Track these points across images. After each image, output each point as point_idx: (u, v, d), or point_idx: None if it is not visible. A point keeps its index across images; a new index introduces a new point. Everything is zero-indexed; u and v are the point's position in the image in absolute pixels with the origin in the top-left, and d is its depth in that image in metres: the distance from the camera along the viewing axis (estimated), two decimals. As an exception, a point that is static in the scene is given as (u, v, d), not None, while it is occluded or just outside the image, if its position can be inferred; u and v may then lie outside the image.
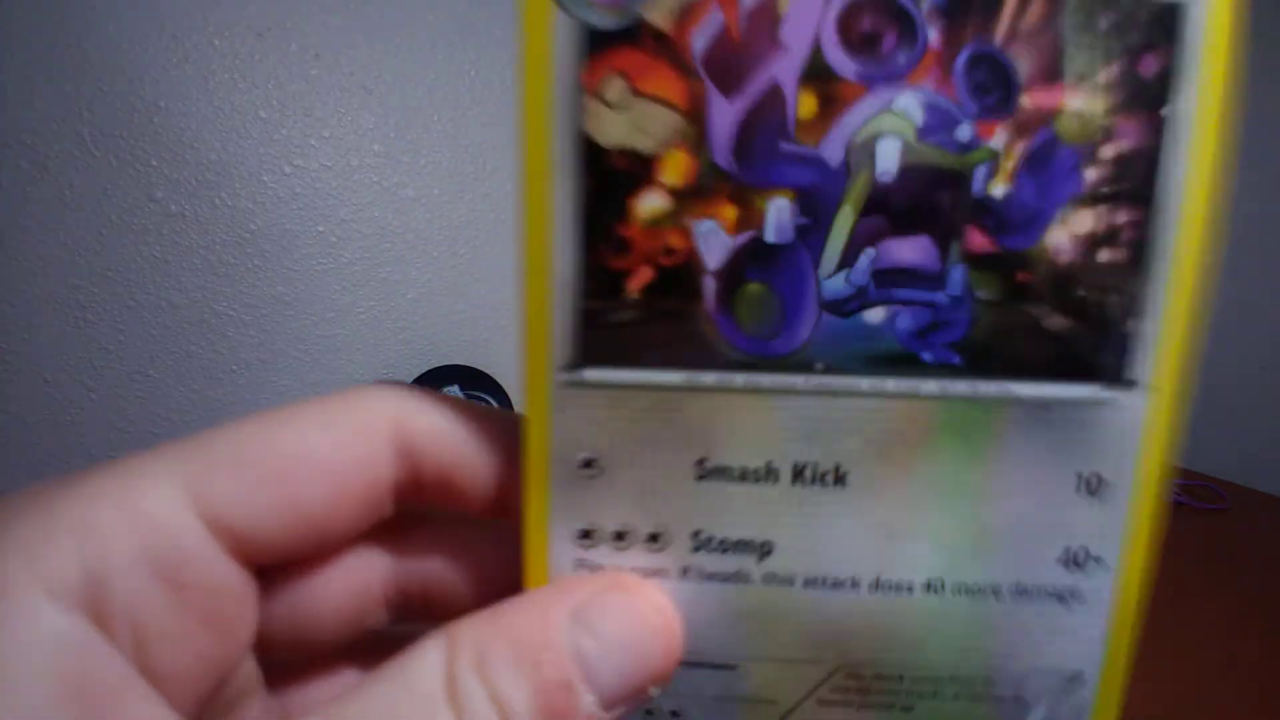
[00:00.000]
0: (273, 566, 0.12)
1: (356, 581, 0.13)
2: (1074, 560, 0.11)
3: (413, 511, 0.13)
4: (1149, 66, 0.10)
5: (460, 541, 0.14)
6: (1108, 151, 0.10)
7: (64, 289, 0.49)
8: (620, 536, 0.12)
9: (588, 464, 0.11)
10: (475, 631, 0.10)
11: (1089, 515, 0.11)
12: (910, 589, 0.11)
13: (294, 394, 0.57)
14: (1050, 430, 0.11)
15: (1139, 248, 0.10)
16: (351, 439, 0.12)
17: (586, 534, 0.12)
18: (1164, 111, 0.10)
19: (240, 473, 0.11)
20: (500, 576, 0.12)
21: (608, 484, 0.11)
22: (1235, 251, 0.68)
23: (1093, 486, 0.11)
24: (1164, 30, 0.10)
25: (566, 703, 0.10)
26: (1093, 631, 0.11)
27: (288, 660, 0.13)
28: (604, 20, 0.10)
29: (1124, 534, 0.11)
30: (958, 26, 0.10)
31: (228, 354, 0.55)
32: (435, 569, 0.13)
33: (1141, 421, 0.11)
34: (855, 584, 0.11)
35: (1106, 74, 0.10)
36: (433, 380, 0.59)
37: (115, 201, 0.49)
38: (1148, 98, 0.10)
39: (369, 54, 0.56)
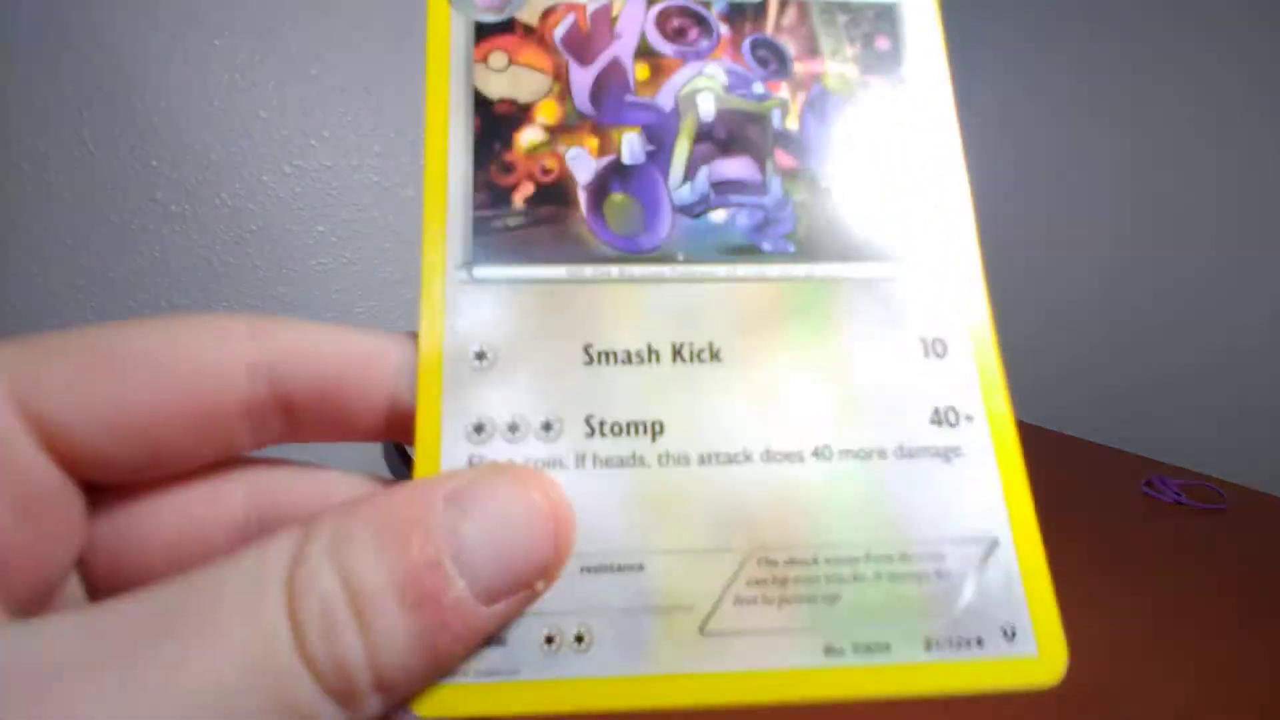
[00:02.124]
0: (104, 483, 0.11)
1: (194, 517, 0.12)
2: (945, 419, 0.13)
3: (273, 459, 0.13)
4: (882, 44, 0.15)
5: (321, 488, 0.13)
6: (866, 99, 0.14)
7: (64, 289, 0.49)
8: (514, 429, 0.12)
9: (480, 356, 0.12)
10: (337, 514, 0.10)
11: (943, 376, 0.13)
12: (800, 457, 0.12)
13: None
14: (883, 304, 0.13)
15: (906, 161, 0.14)
16: (192, 346, 0.11)
17: (479, 428, 0.12)
18: (900, 73, 0.15)
19: (63, 367, 0.10)
20: None
21: (500, 375, 0.12)
22: (1234, 251, 0.68)
23: (938, 350, 0.13)
24: (886, 21, 0.15)
25: (434, 583, 0.09)
26: (988, 491, 0.12)
27: (115, 590, 0.11)
28: (486, 16, 0.14)
29: (981, 389, 0.13)
30: (739, 24, 0.14)
31: (228, 354, 0.54)
32: (289, 516, 0.12)
33: (957, 288, 0.14)
34: (748, 456, 0.12)
35: (852, 50, 0.15)
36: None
37: (115, 201, 0.49)
38: (885, 64, 0.15)
39: (369, 54, 0.56)
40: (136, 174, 0.50)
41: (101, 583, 0.12)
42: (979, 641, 0.12)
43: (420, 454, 0.12)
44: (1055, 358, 0.81)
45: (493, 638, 0.11)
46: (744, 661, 0.11)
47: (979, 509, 0.12)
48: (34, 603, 0.11)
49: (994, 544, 0.12)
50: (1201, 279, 0.69)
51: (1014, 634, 0.12)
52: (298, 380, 0.12)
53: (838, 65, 0.14)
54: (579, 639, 0.11)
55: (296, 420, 0.12)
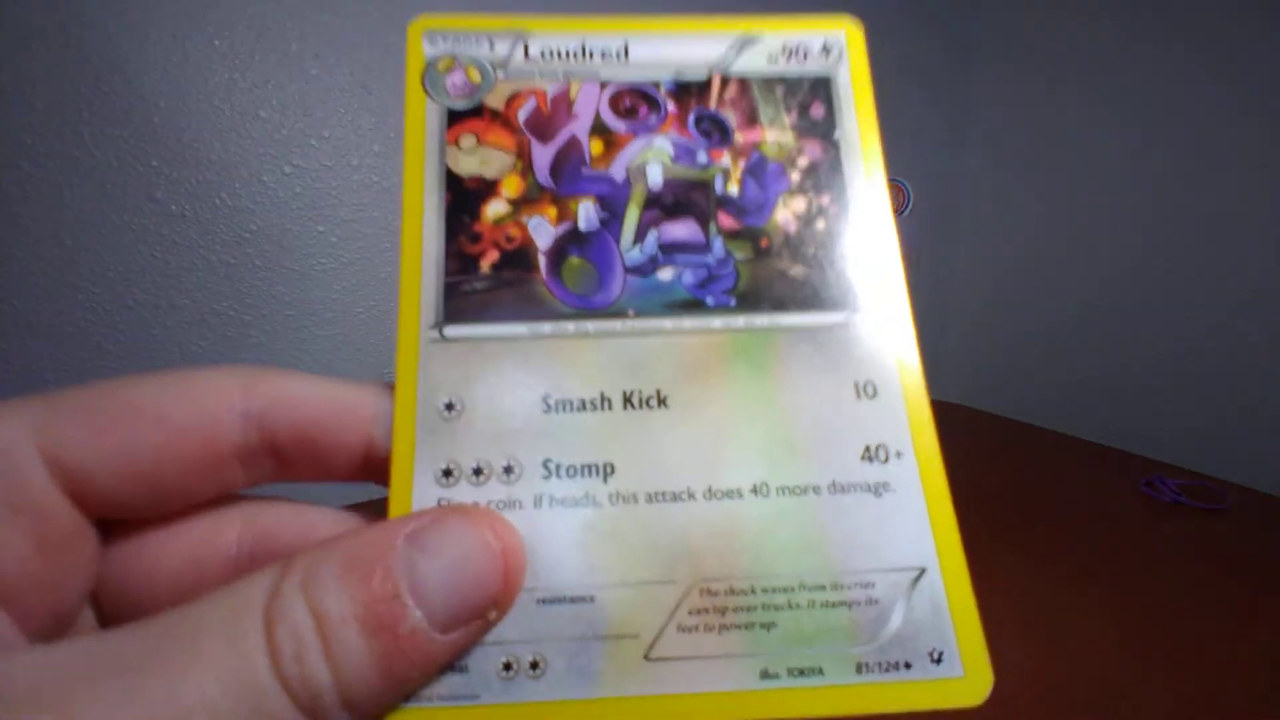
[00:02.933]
0: (113, 520, 0.13)
1: (194, 550, 0.14)
2: (875, 456, 0.14)
3: (266, 496, 0.14)
4: (817, 112, 0.16)
5: (307, 524, 0.14)
6: (802, 163, 0.16)
7: (64, 289, 0.49)
8: (478, 472, 0.13)
9: (449, 406, 0.14)
10: (310, 554, 0.11)
11: (874, 416, 0.14)
12: (739, 494, 0.13)
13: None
14: (819, 350, 0.15)
15: (839, 218, 0.16)
16: (191, 397, 0.13)
17: (448, 472, 0.13)
18: (834, 137, 0.16)
19: (80, 418, 0.12)
20: None
21: (467, 424, 0.13)
22: (1232, 251, 0.68)
23: (869, 392, 0.14)
24: (822, 91, 0.16)
25: (391, 613, 0.10)
26: (916, 523, 0.13)
27: (124, 616, 0.13)
28: (457, 104, 0.15)
29: (910, 428, 0.14)
30: (685, 100, 0.16)
31: (228, 354, 0.54)
32: (278, 548, 0.14)
33: (887, 335, 0.15)
34: (691, 494, 0.13)
35: (789, 118, 0.16)
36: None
37: (115, 201, 0.49)
38: (820, 130, 0.16)
39: (369, 54, 0.56)
40: (136, 174, 0.50)
41: (111, 609, 0.13)
42: (907, 665, 0.12)
43: (394, 496, 0.13)
44: (1055, 357, 0.81)
45: (455, 665, 0.12)
46: (686, 685, 0.12)
47: (907, 540, 0.13)
48: (52, 630, 0.12)
49: (921, 573, 0.13)
50: (1202, 278, 0.69)
51: (941, 657, 0.13)
52: (284, 427, 0.13)
53: (775, 133, 0.16)
54: (534, 665, 0.12)
55: (283, 462, 0.14)
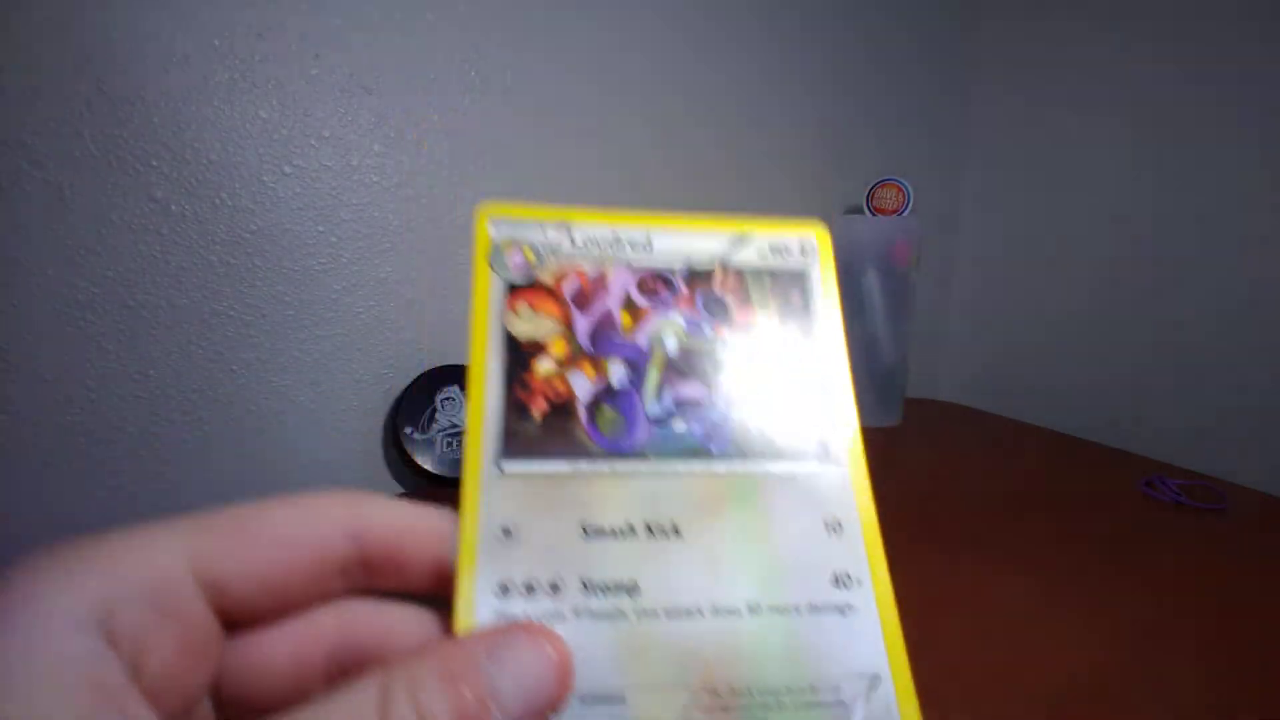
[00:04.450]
0: (236, 620, 0.15)
1: (299, 644, 0.16)
2: (841, 582, 0.17)
3: (358, 599, 0.17)
4: (795, 299, 0.20)
5: (386, 620, 0.17)
6: (784, 339, 0.20)
7: (64, 289, 0.49)
8: (529, 588, 0.16)
9: (505, 531, 0.16)
10: (409, 663, 0.13)
11: (840, 549, 0.17)
12: (739, 612, 0.16)
13: (294, 394, 0.57)
14: (797, 492, 0.18)
15: (811, 385, 0.19)
16: (312, 522, 0.16)
17: (504, 589, 0.16)
18: (807, 318, 0.20)
19: (225, 541, 0.15)
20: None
21: (520, 546, 0.16)
22: (1232, 252, 0.68)
23: (835, 528, 0.18)
24: (797, 282, 0.20)
25: (479, 717, 0.13)
26: (873, 638, 0.16)
27: (239, 708, 0.16)
28: (517, 279, 0.19)
29: (868, 559, 0.17)
30: (695, 284, 0.20)
31: (228, 354, 0.55)
32: (363, 642, 0.17)
33: (849, 483, 0.18)
34: (700, 611, 0.16)
35: (775, 302, 0.20)
36: (432, 381, 0.59)
37: (115, 201, 0.50)
38: (797, 313, 0.20)
39: (369, 54, 0.56)
40: (136, 174, 0.50)
41: (228, 693, 0.16)
42: None
43: (459, 607, 0.15)
44: (1055, 357, 0.82)
45: None
46: None
47: (866, 652, 0.16)
48: (180, 717, 0.15)
49: (877, 679, 0.16)
50: (1202, 278, 0.69)
51: None
52: (377, 545, 0.16)
53: (764, 314, 0.20)
54: None
55: (372, 574, 0.17)
